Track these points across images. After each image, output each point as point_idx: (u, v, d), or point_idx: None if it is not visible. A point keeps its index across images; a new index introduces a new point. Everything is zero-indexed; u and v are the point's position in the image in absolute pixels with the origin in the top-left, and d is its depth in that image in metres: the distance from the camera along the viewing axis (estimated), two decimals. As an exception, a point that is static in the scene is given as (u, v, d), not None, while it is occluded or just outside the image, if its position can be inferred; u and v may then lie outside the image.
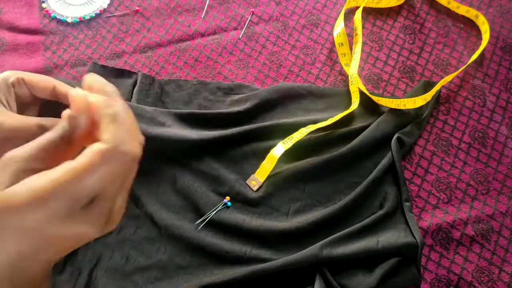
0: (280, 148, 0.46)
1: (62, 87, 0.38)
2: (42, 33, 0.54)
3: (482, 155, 0.50)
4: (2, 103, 0.36)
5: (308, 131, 0.47)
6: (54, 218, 0.25)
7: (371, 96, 0.51)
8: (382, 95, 0.52)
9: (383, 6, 0.57)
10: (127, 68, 0.52)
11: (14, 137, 0.35)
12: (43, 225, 0.25)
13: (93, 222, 0.27)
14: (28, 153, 0.26)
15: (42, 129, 0.34)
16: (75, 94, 0.28)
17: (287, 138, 0.47)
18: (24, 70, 0.50)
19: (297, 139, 0.47)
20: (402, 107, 0.51)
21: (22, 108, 0.40)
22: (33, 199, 0.25)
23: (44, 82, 0.38)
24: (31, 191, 0.25)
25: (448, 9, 0.57)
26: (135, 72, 0.50)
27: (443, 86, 0.53)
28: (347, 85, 0.53)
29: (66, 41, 0.54)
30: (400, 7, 0.57)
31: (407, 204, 0.46)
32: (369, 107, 0.50)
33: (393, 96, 0.52)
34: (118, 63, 0.53)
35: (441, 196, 0.48)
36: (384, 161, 0.47)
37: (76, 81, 0.51)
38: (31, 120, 0.35)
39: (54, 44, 0.53)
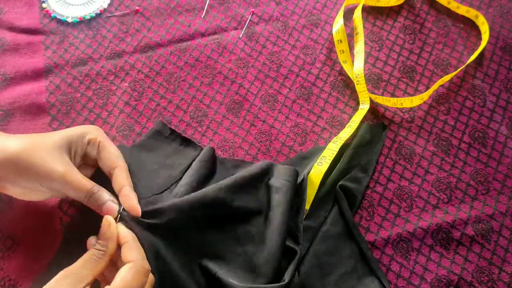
0: (316, 171, 0.45)
1: (122, 176, 0.40)
2: (43, 33, 0.54)
3: (482, 155, 0.50)
4: (70, 154, 0.39)
5: (338, 146, 0.47)
6: None
7: (370, 95, 0.51)
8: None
9: (383, 5, 0.57)
10: (127, 68, 0.52)
11: (58, 189, 0.38)
12: None
13: None
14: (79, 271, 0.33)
15: (90, 197, 0.38)
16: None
17: (319, 158, 0.46)
18: (25, 70, 0.51)
19: (330, 158, 0.46)
20: (399, 106, 0.51)
21: (82, 165, 0.42)
22: None
23: (113, 157, 0.41)
24: None
25: (448, 9, 0.57)
26: (201, 146, 0.47)
27: (442, 86, 0.53)
28: (347, 85, 0.53)
29: (66, 41, 0.54)
30: (400, 7, 0.57)
31: (369, 253, 0.44)
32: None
33: (393, 96, 0.52)
34: (119, 63, 0.53)
35: (441, 196, 0.48)
36: (332, 213, 0.45)
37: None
38: (87, 183, 0.38)
39: (54, 44, 0.53)
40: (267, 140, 0.50)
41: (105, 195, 0.38)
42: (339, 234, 0.44)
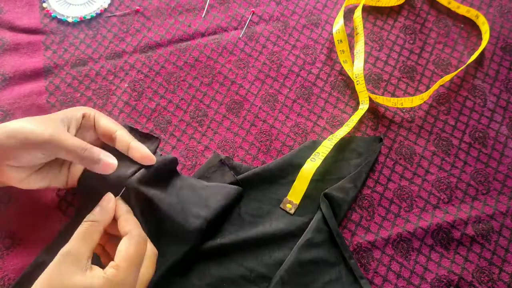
0: (309, 166, 0.46)
1: (125, 135, 0.41)
2: (43, 32, 0.54)
3: (483, 155, 0.49)
4: (64, 126, 0.39)
5: (332, 144, 0.47)
6: None
7: (370, 95, 0.51)
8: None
9: (383, 5, 0.57)
10: (127, 68, 0.52)
11: (53, 153, 0.38)
12: None
13: None
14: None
15: (83, 154, 0.38)
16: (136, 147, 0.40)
17: (313, 154, 0.47)
18: (25, 70, 0.51)
19: (324, 154, 0.46)
20: (399, 106, 0.51)
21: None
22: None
23: (108, 124, 0.42)
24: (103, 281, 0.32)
25: (448, 9, 0.57)
26: (157, 137, 0.45)
27: (442, 86, 0.53)
28: (348, 85, 0.53)
29: (66, 40, 0.54)
30: (400, 7, 0.57)
31: (352, 261, 0.43)
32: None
33: (393, 96, 0.52)
34: (119, 63, 0.53)
35: (442, 196, 0.48)
36: (315, 221, 0.44)
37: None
38: (77, 141, 0.38)
39: (54, 44, 0.53)
40: (268, 140, 0.50)
41: (97, 149, 0.38)
42: (323, 242, 0.44)
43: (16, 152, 0.37)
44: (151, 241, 0.39)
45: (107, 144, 0.42)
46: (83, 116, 0.41)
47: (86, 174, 0.42)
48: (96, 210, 0.36)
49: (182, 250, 0.41)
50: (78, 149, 0.37)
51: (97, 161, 0.38)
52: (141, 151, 0.40)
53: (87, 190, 0.42)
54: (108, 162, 0.38)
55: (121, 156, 0.40)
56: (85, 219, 0.35)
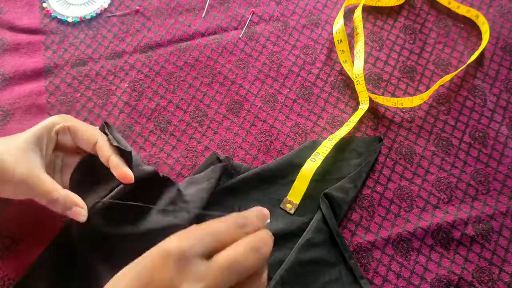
0: (309, 166, 0.46)
1: (105, 147, 0.39)
2: (43, 32, 0.54)
3: (483, 155, 0.49)
4: (40, 150, 0.38)
5: (332, 144, 0.47)
6: None
7: (370, 95, 0.51)
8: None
9: (383, 5, 0.57)
10: (127, 68, 0.52)
11: (25, 192, 0.37)
12: None
13: None
14: None
15: (54, 201, 0.37)
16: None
17: (313, 154, 0.47)
18: (25, 70, 0.51)
19: (324, 154, 0.46)
20: (399, 106, 0.51)
21: (64, 154, 0.42)
22: None
23: (88, 134, 0.40)
24: None
25: (448, 9, 0.57)
26: (129, 151, 0.41)
27: (442, 86, 0.53)
28: (348, 85, 0.53)
29: (66, 40, 0.54)
30: (400, 7, 0.57)
31: (352, 261, 0.43)
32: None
33: (393, 96, 0.52)
34: (119, 63, 0.53)
35: (442, 196, 0.48)
36: (316, 221, 0.44)
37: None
38: (48, 188, 0.37)
39: (54, 44, 0.53)
40: (268, 140, 0.50)
41: (69, 198, 0.37)
42: (323, 242, 0.44)
43: None
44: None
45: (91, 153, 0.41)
46: (57, 133, 0.39)
47: (77, 172, 0.41)
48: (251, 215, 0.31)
49: None
50: (50, 196, 0.36)
51: (69, 209, 0.37)
52: (119, 170, 0.38)
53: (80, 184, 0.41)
54: (78, 212, 0.37)
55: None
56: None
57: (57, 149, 0.40)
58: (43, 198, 0.37)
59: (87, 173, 0.41)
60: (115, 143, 0.40)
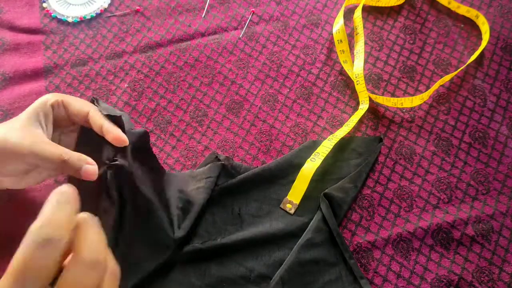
0: (309, 166, 0.46)
1: (97, 116, 0.40)
2: (43, 32, 0.54)
3: (483, 155, 0.49)
4: (40, 125, 0.38)
5: (332, 144, 0.47)
6: None
7: (370, 95, 0.51)
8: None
9: (383, 5, 0.57)
10: (127, 68, 0.52)
11: (34, 163, 0.37)
12: None
13: None
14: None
15: (63, 164, 0.37)
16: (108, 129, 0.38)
17: (313, 154, 0.47)
18: (25, 70, 0.51)
19: (324, 154, 0.46)
20: (399, 106, 0.51)
21: (61, 131, 0.42)
22: None
23: (79, 106, 0.40)
24: None
25: (448, 9, 0.57)
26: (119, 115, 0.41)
27: (442, 86, 0.53)
28: (348, 85, 0.53)
29: (66, 40, 0.54)
30: (400, 7, 0.57)
31: (352, 261, 0.43)
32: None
33: (393, 96, 0.52)
34: (119, 63, 0.53)
35: (442, 196, 0.48)
36: (316, 221, 0.44)
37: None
38: (56, 151, 0.37)
39: (54, 44, 0.53)
40: (268, 140, 0.50)
41: (78, 157, 0.38)
42: (323, 242, 0.44)
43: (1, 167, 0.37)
44: (127, 243, 0.38)
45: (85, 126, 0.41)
46: (52, 107, 0.40)
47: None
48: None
49: (160, 258, 0.41)
50: (59, 158, 0.37)
51: (79, 169, 0.37)
52: (113, 133, 0.39)
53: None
54: (89, 170, 0.37)
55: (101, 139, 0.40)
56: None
57: (54, 126, 0.41)
58: (54, 163, 0.37)
59: (86, 150, 0.41)
60: (105, 112, 0.40)
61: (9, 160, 0.37)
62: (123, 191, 0.39)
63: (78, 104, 0.40)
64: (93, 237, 0.27)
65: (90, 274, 0.26)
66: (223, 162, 0.46)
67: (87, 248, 0.26)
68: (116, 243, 0.39)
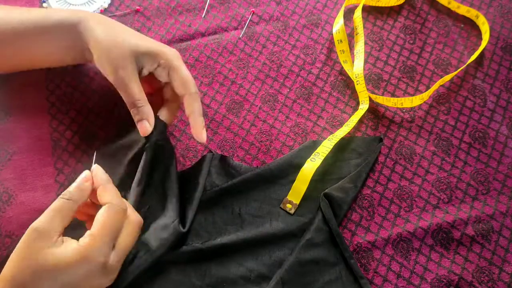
0: (309, 166, 0.46)
1: (190, 105, 0.43)
2: (43, 32, 0.54)
3: (483, 155, 0.50)
4: (137, 66, 0.42)
5: (332, 144, 0.47)
6: (91, 273, 0.33)
7: (370, 95, 0.51)
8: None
9: (383, 5, 0.57)
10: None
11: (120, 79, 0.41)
12: (82, 280, 0.33)
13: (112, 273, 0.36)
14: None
15: (133, 106, 0.41)
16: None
17: (313, 154, 0.47)
18: (25, 71, 0.51)
19: (324, 154, 0.46)
20: (399, 106, 0.51)
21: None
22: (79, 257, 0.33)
23: (182, 83, 0.43)
24: (76, 251, 0.33)
25: (448, 9, 0.57)
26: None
27: (442, 86, 0.53)
28: (348, 85, 0.53)
29: (66, 40, 0.53)
30: (400, 7, 0.57)
31: (352, 261, 0.43)
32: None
33: (393, 96, 0.52)
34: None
35: (442, 196, 0.48)
36: (316, 221, 0.44)
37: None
38: (138, 94, 0.41)
39: (54, 44, 0.53)
40: (268, 140, 0.50)
41: (149, 111, 0.42)
42: (323, 242, 0.44)
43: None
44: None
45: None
46: (158, 65, 0.43)
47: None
48: (72, 187, 0.36)
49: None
50: (135, 100, 0.41)
51: (141, 119, 0.41)
52: (195, 129, 0.43)
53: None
54: (146, 127, 0.41)
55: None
56: (60, 196, 0.35)
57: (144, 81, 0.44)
58: (128, 99, 0.41)
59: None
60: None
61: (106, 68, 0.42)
62: (157, 168, 0.43)
63: (184, 78, 0.43)
64: (116, 190, 0.37)
65: (121, 214, 0.36)
66: (212, 152, 0.48)
67: (117, 196, 0.37)
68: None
